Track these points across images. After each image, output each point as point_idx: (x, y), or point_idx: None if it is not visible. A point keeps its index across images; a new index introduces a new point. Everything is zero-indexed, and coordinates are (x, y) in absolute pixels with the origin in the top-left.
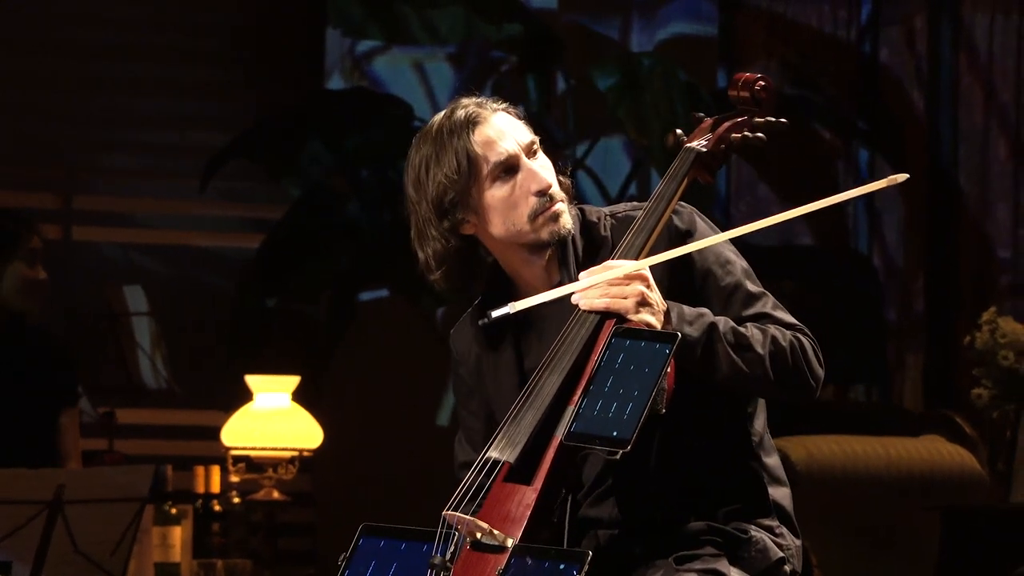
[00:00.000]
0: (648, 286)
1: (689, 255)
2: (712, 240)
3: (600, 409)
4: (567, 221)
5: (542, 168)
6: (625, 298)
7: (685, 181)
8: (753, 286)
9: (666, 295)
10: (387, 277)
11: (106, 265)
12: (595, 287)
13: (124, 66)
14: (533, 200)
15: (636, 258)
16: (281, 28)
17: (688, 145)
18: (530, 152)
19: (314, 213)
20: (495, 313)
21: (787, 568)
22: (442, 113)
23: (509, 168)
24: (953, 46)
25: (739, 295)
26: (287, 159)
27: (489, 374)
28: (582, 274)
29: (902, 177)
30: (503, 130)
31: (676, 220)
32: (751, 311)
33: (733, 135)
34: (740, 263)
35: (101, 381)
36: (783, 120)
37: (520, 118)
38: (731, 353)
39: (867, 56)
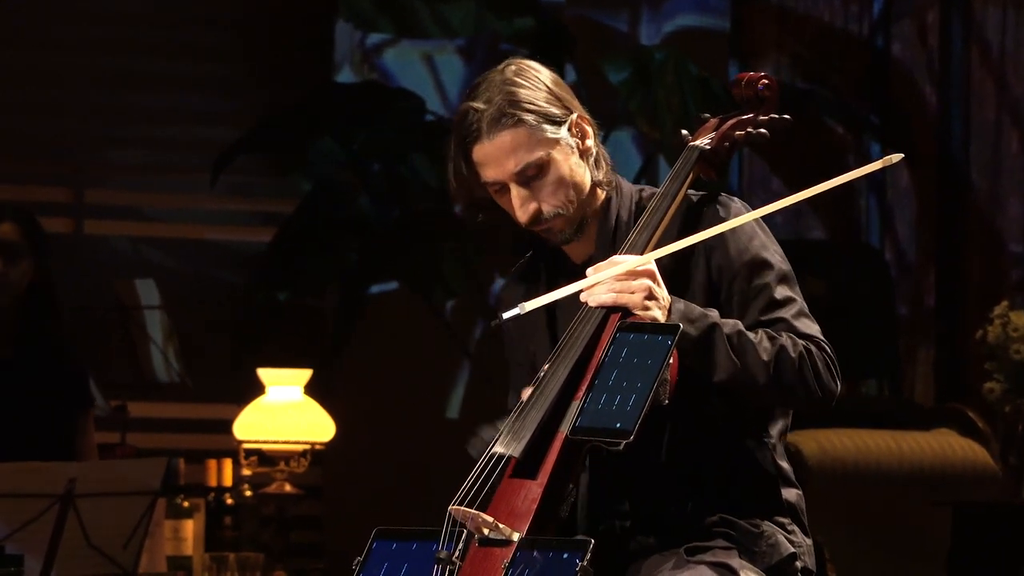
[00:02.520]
0: (655, 280)
1: (726, 254)
2: (707, 234)
3: (604, 403)
4: (561, 236)
5: (531, 195)
6: (632, 293)
7: (689, 178)
8: (781, 292)
9: (685, 289)
10: (397, 271)
11: (117, 259)
12: (602, 283)
13: (134, 61)
14: (524, 223)
15: (640, 254)
16: (290, 21)
17: (692, 143)
18: (522, 178)
19: (325, 207)
20: (506, 315)
21: (798, 564)
22: (467, 100)
23: (500, 188)
24: (965, 40)
25: (761, 299)
26: (297, 153)
27: (529, 327)
28: (589, 270)
29: (897, 157)
30: (490, 159)
31: (721, 212)
32: (769, 316)
33: (736, 132)
34: (780, 267)
35: (113, 375)
36: (786, 116)
37: (528, 132)
38: (732, 356)
39: (879, 50)
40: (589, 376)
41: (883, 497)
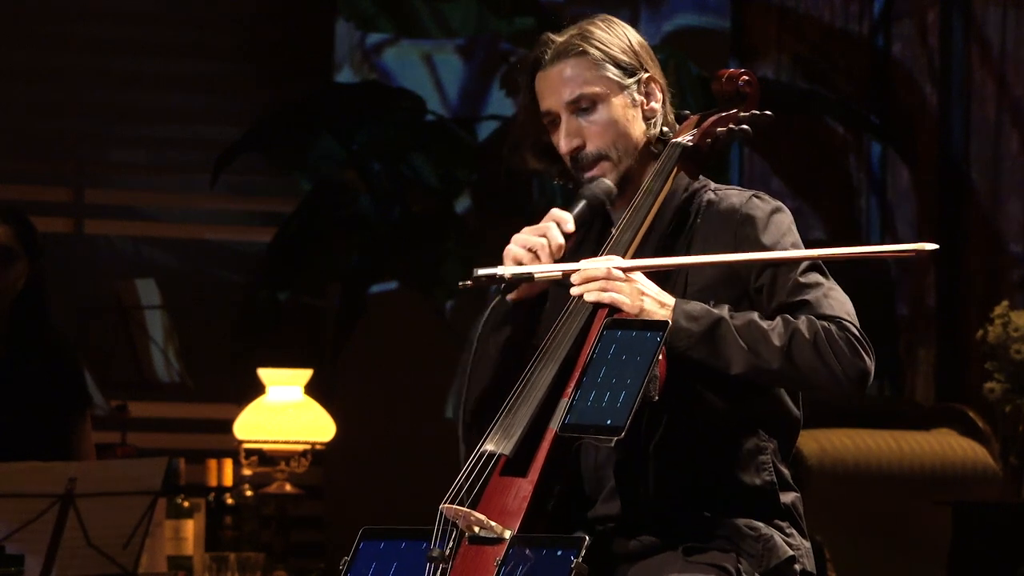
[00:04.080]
0: (645, 286)
1: (758, 249)
2: (691, 261)
3: (593, 400)
4: (600, 183)
5: (580, 128)
6: (622, 294)
7: (672, 175)
8: (808, 276)
9: (717, 281)
10: (398, 270)
11: (117, 259)
12: (595, 280)
13: (135, 60)
14: (566, 155)
15: (623, 253)
16: (290, 21)
17: (674, 140)
18: (574, 108)
19: (325, 207)
20: (481, 271)
21: (797, 567)
22: (558, 34)
23: (552, 120)
24: (965, 40)
25: (788, 285)
26: (297, 153)
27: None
28: (583, 261)
29: (930, 246)
30: (548, 86)
31: (759, 205)
32: (793, 299)
33: (718, 129)
34: (811, 258)
35: (113, 375)
36: (768, 113)
37: (590, 64)
38: (743, 346)
39: (879, 50)
40: (577, 373)
41: (883, 497)
